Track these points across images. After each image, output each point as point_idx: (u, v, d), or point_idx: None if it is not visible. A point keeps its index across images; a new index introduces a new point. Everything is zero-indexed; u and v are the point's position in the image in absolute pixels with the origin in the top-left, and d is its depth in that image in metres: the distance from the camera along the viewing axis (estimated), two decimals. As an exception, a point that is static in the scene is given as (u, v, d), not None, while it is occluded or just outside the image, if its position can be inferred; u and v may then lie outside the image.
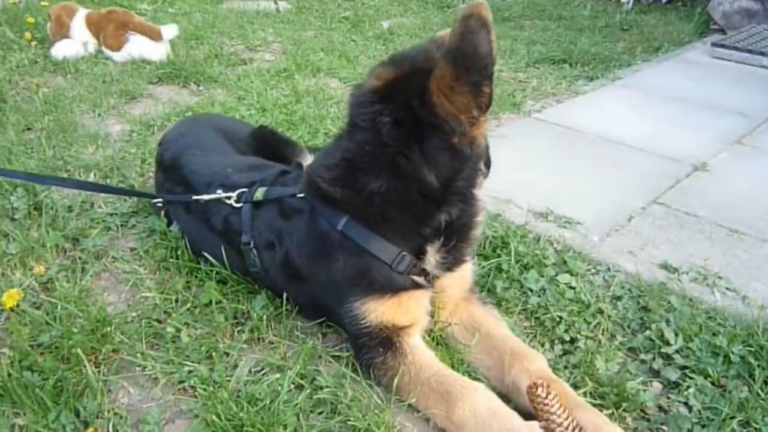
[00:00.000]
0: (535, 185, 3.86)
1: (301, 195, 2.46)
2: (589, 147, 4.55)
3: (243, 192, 2.68)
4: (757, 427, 2.20)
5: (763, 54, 6.68)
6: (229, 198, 2.68)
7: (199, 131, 3.34)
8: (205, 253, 2.81)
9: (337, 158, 2.33)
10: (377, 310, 2.31)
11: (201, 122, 3.63)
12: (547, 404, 2.04)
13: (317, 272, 2.42)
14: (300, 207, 2.47)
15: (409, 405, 2.21)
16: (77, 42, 5.97)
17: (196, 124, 3.51)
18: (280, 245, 2.52)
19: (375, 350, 2.32)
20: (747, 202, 3.84)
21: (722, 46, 6.92)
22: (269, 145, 3.38)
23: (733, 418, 2.22)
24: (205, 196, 2.74)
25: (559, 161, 4.32)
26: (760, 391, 2.34)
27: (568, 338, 2.60)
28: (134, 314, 2.62)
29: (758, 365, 2.44)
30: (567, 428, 2.01)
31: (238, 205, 2.66)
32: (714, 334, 2.60)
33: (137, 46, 5.88)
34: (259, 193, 2.62)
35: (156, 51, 5.93)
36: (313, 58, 6.15)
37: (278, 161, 3.12)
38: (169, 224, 3.04)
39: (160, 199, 3.06)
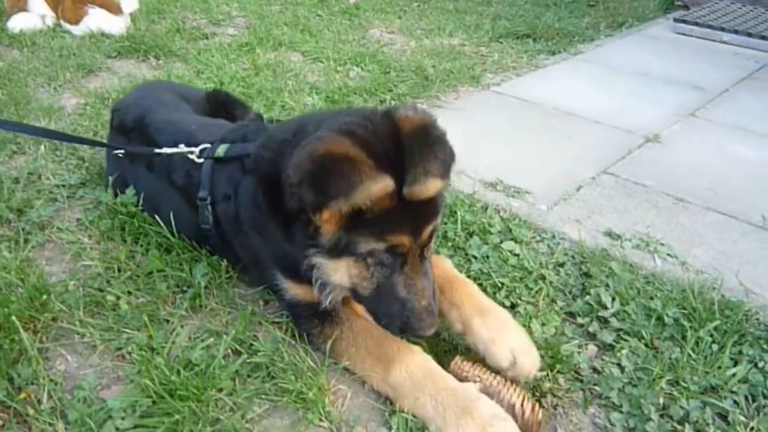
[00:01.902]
0: (488, 156, 3.88)
1: None
2: (545, 119, 4.58)
3: (206, 148, 2.68)
4: (686, 385, 2.25)
5: (723, 29, 6.73)
6: (191, 153, 2.68)
7: (159, 93, 3.34)
8: (157, 216, 2.82)
9: (276, 142, 2.31)
10: (299, 291, 2.36)
11: (158, 87, 3.64)
12: (470, 371, 2.14)
13: (254, 232, 2.44)
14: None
15: (345, 368, 2.25)
16: (35, 15, 5.90)
17: (155, 88, 3.51)
18: (235, 198, 2.52)
19: (311, 320, 2.34)
20: (695, 172, 3.89)
21: (684, 21, 6.97)
22: (223, 106, 3.41)
23: (662, 377, 2.27)
24: (168, 150, 2.73)
25: (513, 133, 4.34)
26: (691, 352, 2.39)
27: (508, 303, 2.64)
28: (75, 282, 2.61)
29: (690, 327, 2.49)
30: (499, 383, 2.09)
31: (200, 160, 2.65)
32: (651, 298, 2.65)
33: (96, 20, 5.81)
34: (221, 150, 2.62)
35: (115, 25, 5.86)
36: (276, 32, 6.11)
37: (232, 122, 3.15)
38: (124, 188, 3.01)
39: (122, 152, 2.99)
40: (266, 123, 3.16)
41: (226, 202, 2.56)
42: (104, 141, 3.32)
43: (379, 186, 1.86)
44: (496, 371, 2.15)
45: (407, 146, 1.97)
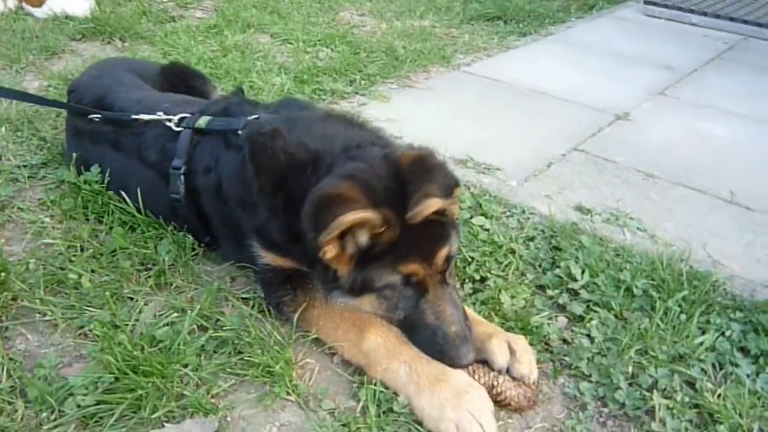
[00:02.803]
0: (458, 134, 3.87)
1: (241, 132, 2.44)
2: (515, 98, 4.58)
3: (184, 117, 2.65)
4: (654, 354, 2.26)
5: (692, 11, 6.80)
6: (169, 121, 2.64)
7: (114, 72, 3.27)
8: (122, 191, 2.77)
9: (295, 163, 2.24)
10: (276, 260, 2.33)
11: (112, 64, 3.55)
12: None
13: (238, 207, 2.41)
14: (240, 144, 2.41)
15: (313, 341, 2.23)
16: (-5, -2, 5.74)
17: (109, 67, 3.42)
18: (215, 170, 2.49)
19: (282, 287, 2.31)
20: (664, 148, 3.92)
21: (654, 3, 7.02)
22: (181, 79, 3.35)
23: (631, 347, 2.27)
24: (146, 116, 2.69)
25: (484, 112, 4.33)
26: (659, 322, 2.40)
27: (478, 277, 2.63)
28: (35, 261, 2.55)
29: (659, 297, 2.50)
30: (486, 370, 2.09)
31: (178, 129, 2.61)
32: (620, 270, 2.65)
33: (59, 2, 5.65)
34: (202, 122, 2.58)
35: (79, 7, 5.70)
36: (245, 15, 6.02)
37: (191, 95, 3.13)
38: (87, 168, 2.93)
39: (98, 118, 2.87)
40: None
41: (206, 174, 2.52)
42: (66, 120, 3.22)
43: (352, 215, 1.88)
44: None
45: (407, 177, 2.01)
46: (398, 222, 1.95)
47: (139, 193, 2.72)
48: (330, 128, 2.33)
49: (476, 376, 2.04)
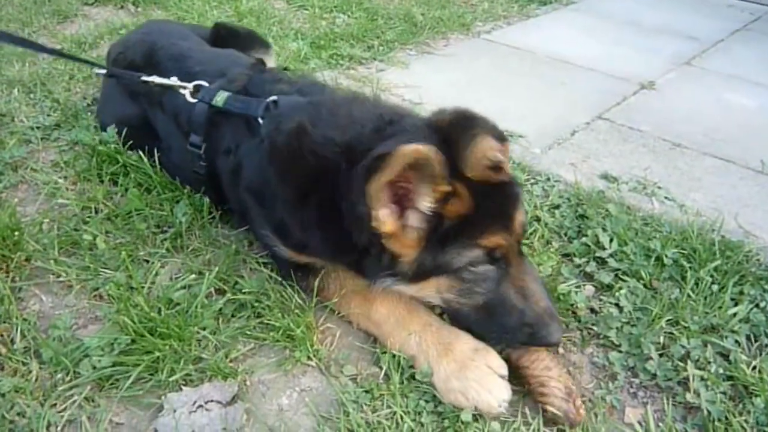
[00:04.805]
0: (479, 101, 3.69)
1: (263, 120, 2.22)
2: (537, 66, 4.47)
3: (200, 85, 2.46)
4: (686, 325, 2.18)
5: (717, -19, 6.62)
6: (184, 88, 2.46)
7: (163, 26, 3.22)
8: (139, 151, 2.71)
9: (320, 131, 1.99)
10: (289, 253, 2.20)
11: (161, 22, 3.48)
12: None
13: (256, 201, 2.25)
14: (263, 134, 2.20)
15: (333, 309, 2.16)
16: (7, -39, 5.64)
17: (158, 24, 3.37)
18: (235, 154, 2.31)
19: (295, 273, 2.23)
20: (691, 118, 3.81)
21: (678, -27, 6.84)
22: (231, 41, 3.22)
23: (662, 317, 2.19)
24: (157, 79, 2.53)
25: (505, 79, 4.23)
26: (690, 292, 2.31)
27: (502, 245, 2.54)
28: (49, 221, 2.49)
29: (690, 267, 2.42)
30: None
31: (193, 100, 2.43)
32: (649, 239, 2.56)
33: (71, -34, 5.57)
34: (220, 99, 2.37)
35: (92, -29, 5.62)
36: (260, -20, 5.92)
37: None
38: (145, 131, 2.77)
39: (103, 74, 2.85)
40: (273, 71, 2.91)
41: (226, 155, 2.35)
42: (112, 82, 3.05)
43: (413, 146, 1.61)
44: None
45: (453, 138, 1.77)
46: (466, 191, 1.73)
47: (156, 157, 2.66)
48: (356, 110, 2.05)
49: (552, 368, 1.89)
